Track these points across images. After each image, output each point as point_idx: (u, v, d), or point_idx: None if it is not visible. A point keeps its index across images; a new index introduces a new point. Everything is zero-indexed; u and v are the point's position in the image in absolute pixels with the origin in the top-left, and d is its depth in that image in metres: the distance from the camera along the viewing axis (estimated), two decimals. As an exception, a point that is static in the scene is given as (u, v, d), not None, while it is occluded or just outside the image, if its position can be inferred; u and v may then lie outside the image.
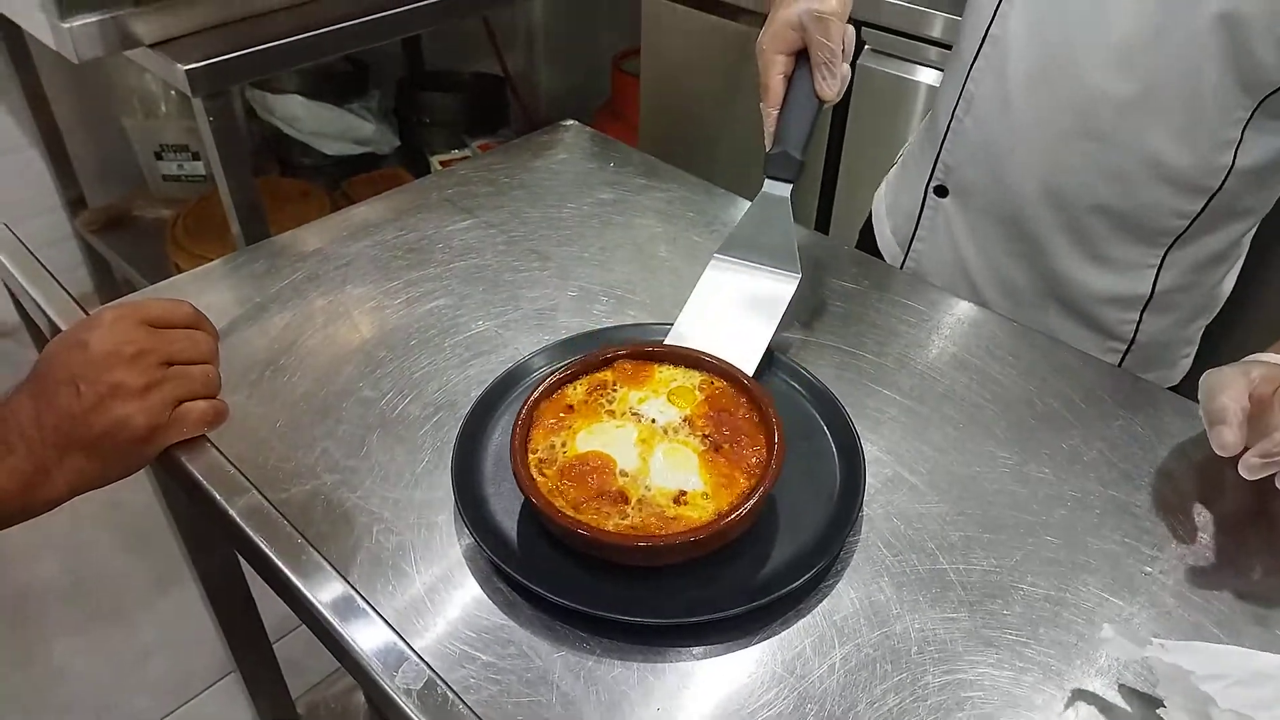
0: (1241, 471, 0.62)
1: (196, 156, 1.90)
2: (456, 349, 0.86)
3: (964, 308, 0.91)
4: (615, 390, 0.72)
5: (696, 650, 0.60)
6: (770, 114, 0.73)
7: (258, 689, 1.14)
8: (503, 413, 0.76)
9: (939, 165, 0.94)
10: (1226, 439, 0.63)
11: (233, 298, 0.91)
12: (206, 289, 0.91)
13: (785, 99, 0.73)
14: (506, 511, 0.67)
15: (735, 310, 0.77)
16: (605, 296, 0.91)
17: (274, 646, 1.15)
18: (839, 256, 0.97)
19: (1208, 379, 0.66)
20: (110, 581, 1.65)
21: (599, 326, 0.86)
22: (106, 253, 2.20)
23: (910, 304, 0.91)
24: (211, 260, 0.93)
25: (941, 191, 0.95)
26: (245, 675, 1.14)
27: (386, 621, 0.60)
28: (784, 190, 0.76)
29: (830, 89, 0.72)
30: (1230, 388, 0.64)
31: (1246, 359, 0.67)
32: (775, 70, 0.73)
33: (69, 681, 1.50)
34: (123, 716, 1.49)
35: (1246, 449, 0.63)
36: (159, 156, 2.22)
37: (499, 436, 0.73)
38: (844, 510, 0.67)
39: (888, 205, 1.06)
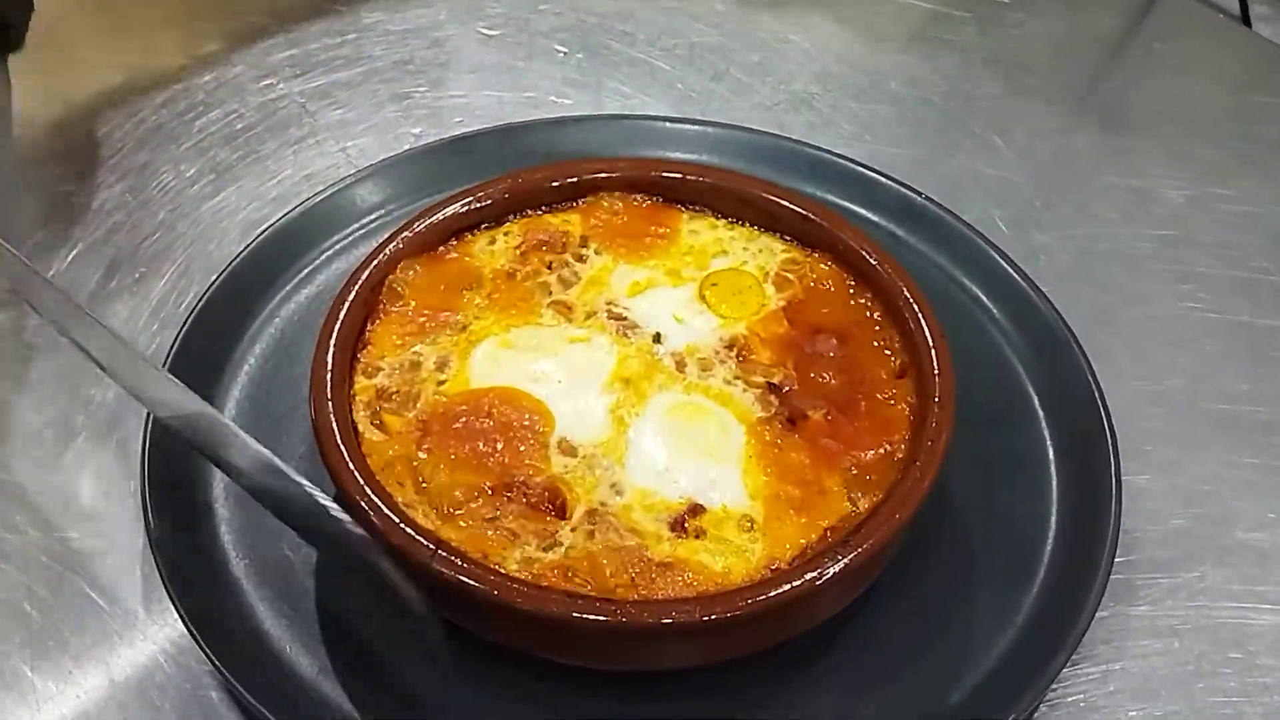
0: None
1: None
2: (211, 135, 0.78)
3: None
4: (583, 258, 0.66)
5: None
6: None
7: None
8: (298, 291, 0.70)
9: None
10: None
11: None
12: None
13: None
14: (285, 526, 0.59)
15: None
16: (574, 45, 0.83)
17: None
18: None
19: None
20: None
21: (546, 115, 0.77)
22: None
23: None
24: None
25: None
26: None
27: None
28: None
29: None
30: None
31: None
32: None
33: None
34: None
35: None
36: None
37: (284, 339, 0.68)
38: (1062, 601, 0.59)
39: None
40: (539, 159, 0.72)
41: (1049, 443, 0.64)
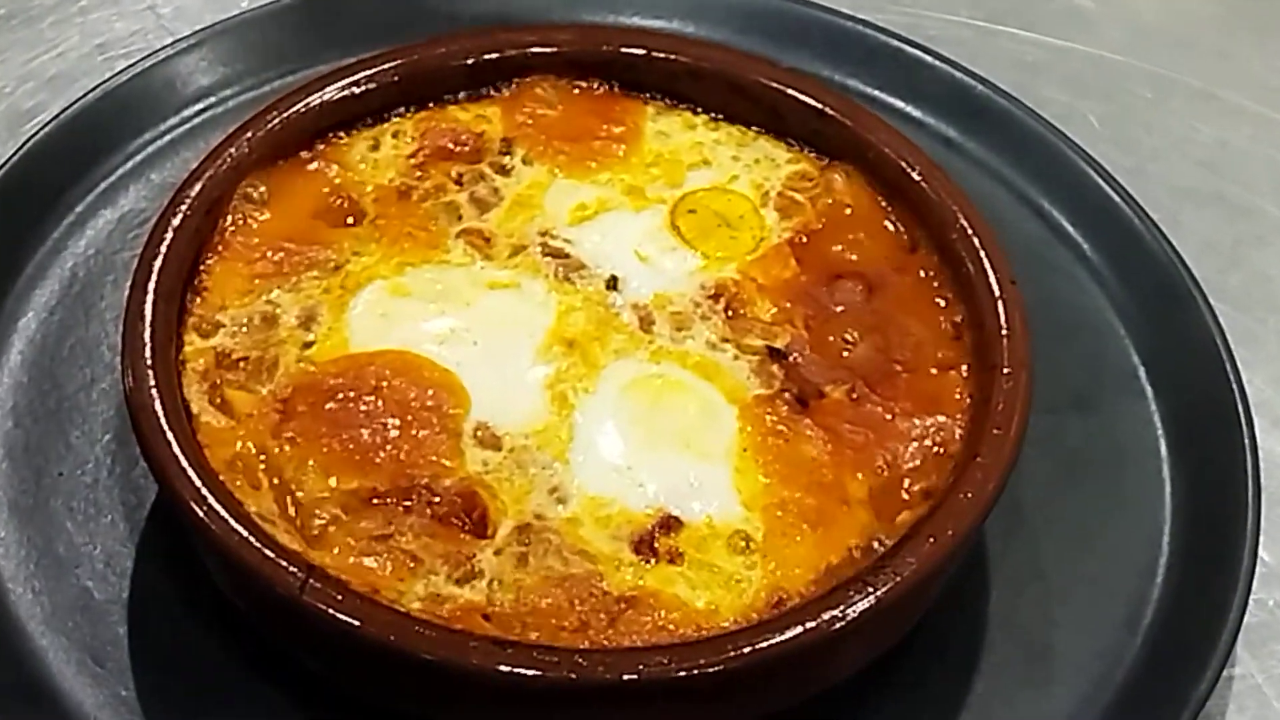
0: None
1: None
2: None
3: None
4: (505, 170, 0.67)
5: None
6: None
7: None
8: (95, 213, 0.69)
9: None
10: None
11: None
12: None
13: None
14: (96, 534, 0.61)
15: None
16: None
17: None
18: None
19: None
20: None
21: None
22: None
23: None
24: None
25: None
26: None
27: None
28: None
29: None
30: None
31: None
32: None
33: None
34: None
35: None
36: None
37: (76, 282, 0.67)
38: (1176, 651, 0.59)
39: None
40: (441, 25, 0.71)
41: (1159, 431, 0.66)
